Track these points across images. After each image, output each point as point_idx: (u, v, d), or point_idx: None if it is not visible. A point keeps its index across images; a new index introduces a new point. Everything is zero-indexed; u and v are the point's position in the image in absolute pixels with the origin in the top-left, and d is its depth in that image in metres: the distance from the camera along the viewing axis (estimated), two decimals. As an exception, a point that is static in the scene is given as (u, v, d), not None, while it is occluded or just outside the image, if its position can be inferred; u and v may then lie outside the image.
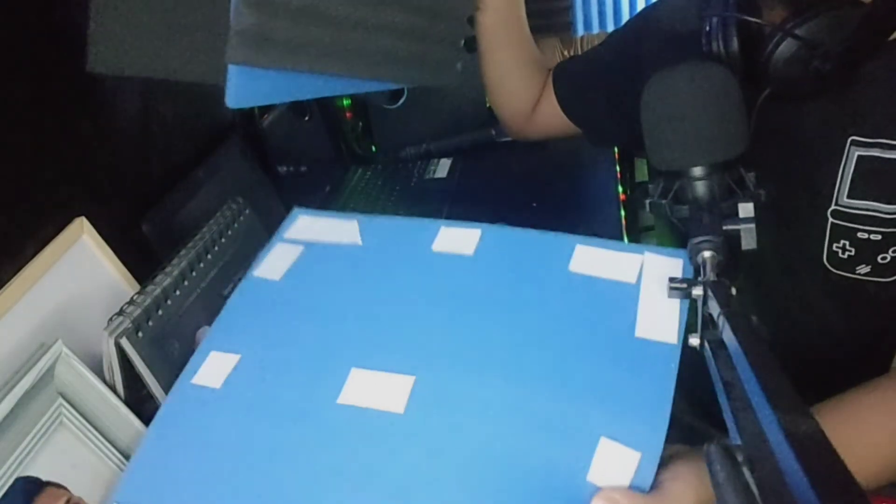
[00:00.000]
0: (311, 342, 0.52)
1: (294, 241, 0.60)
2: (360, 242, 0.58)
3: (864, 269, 0.58)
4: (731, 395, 0.33)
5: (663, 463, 0.41)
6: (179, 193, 0.81)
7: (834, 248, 0.58)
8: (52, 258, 0.61)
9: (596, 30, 1.58)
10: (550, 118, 0.83)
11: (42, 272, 0.60)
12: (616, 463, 0.41)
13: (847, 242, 0.57)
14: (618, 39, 0.79)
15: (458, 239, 0.57)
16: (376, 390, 0.47)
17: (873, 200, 0.55)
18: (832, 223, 0.57)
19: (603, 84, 0.77)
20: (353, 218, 0.60)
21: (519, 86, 0.83)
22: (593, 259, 0.53)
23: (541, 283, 0.52)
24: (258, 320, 0.55)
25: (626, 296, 0.49)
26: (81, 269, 0.65)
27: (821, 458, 0.22)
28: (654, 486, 0.41)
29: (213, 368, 0.51)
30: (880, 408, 0.53)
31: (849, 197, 0.56)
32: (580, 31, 1.65)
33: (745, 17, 0.54)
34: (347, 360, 0.49)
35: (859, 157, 0.54)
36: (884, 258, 0.56)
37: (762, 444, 0.27)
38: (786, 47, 0.51)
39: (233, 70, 0.49)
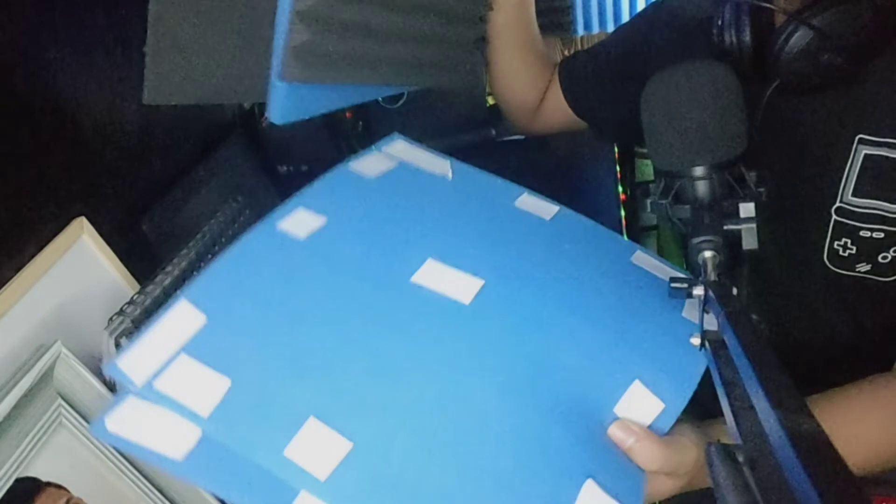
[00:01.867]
0: (393, 228, 0.54)
1: (389, 156, 0.61)
2: (450, 176, 0.61)
3: (864, 267, 0.58)
4: (732, 395, 0.33)
5: (677, 423, 0.46)
6: (179, 193, 0.81)
7: (835, 246, 0.58)
8: (52, 258, 0.61)
9: (596, 30, 1.58)
10: (556, 112, 0.83)
11: (42, 272, 0.60)
12: (642, 405, 0.46)
13: (849, 241, 0.57)
14: (626, 32, 0.79)
15: (537, 206, 0.60)
16: (447, 280, 0.49)
17: (878, 199, 0.55)
18: (835, 220, 0.57)
19: (610, 78, 0.76)
20: (446, 157, 0.63)
21: (526, 82, 0.83)
22: (650, 263, 0.58)
23: (605, 262, 0.56)
24: (347, 197, 0.56)
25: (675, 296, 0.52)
26: (81, 269, 0.65)
27: (822, 458, 0.22)
28: (668, 433, 0.45)
29: (299, 222, 0.52)
30: (869, 396, 0.53)
31: (853, 195, 0.55)
32: (580, 31, 1.65)
33: (760, 3, 0.53)
34: (425, 251, 0.51)
35: (866, 155, 0.54)
36: (884, 257, 0.56)
37: (763, 444, 0.27)
38: (799, 37, 0.51)
39: (281, 87, 0.51)
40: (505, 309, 0.49)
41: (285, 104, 0.53)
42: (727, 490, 0.29)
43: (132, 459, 0.58)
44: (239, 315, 0.45)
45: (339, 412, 0.41)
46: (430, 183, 0.60)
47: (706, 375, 0.41)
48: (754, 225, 0.47)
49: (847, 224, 0.56)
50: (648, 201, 0.53)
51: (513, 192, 0.61)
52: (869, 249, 0.56)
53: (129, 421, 0.40)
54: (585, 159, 1.23)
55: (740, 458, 0.29)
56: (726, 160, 0.49)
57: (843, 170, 0.55)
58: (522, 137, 1.57)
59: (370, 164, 0.60)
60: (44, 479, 0.52)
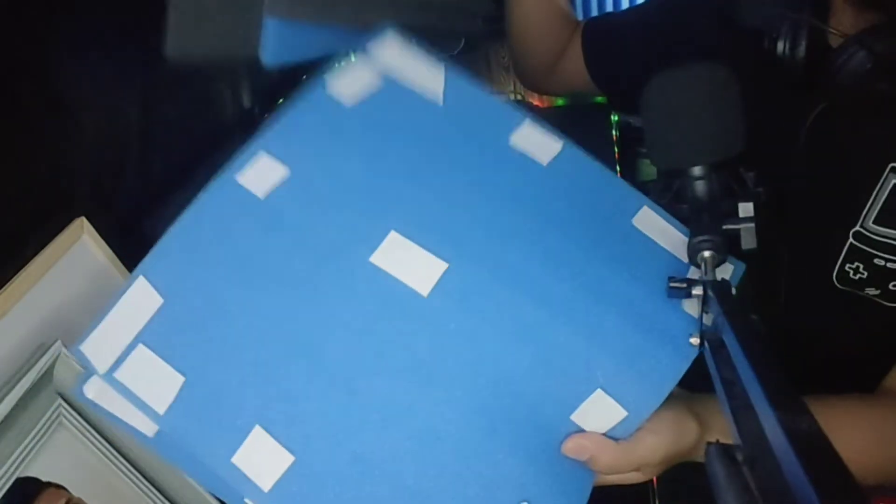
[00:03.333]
0: (361, 186, 0.50)
1: (375, 67, 0.55)
2: (440, 102, 0.54)
3: (872, 291, 0.57)
4: (731, 395, 0.33)
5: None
6: (179, 193, 0.81)
7: (847, 268, 0.58)
8: (52, 258, 0.61)
9: (596, 29, 1.58)
10: (573, 75, 0.80)
11: (42, 272, 0.60)
12: (602, 412, 0.44)
13: (861, 265, 0.56)
14: (664, 7, 0.74)
15: (537, 142, 0.54)
16: (408, 263, 0.46)
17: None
18: (851, 244, 0.56)
19: (639, 48, 0.73)
20: (440, 68, 0.56)
21: (544, 36, 0.79)
22: (655, 224, 0.52)
23: (599, 224, 0.51)
24: (316, 141, 0.51)
25: (675, 271, 0.49)
26: (81, 269, 0.65)
27: (821, 458, 0.22)
28: (628, 436, 0.44)
29: (259, 172, 0.49)
30: (855, 413, 0.53)
31: (875, 222, 0.55)
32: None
33: (820, 25, 0.52)
34: (390, 219, 0.48)
35: (895, 185, 0.53)
36: (895, 286, 0.55)
37: (762, 444, 0.27)
38: (858, 61, 0.49)
39: (270, 25, 0.49)
40: (465, 303, 0.46)
41: (275, 43, 0.50)
42: (727, 490, 0.29)
43: (132, 459, 0.58)
44: (193, 299, 0.46)
45: (283, 421, 0.42)
46: (414, 113, 0.54)
47: (706, 375, 0.41)
48: (753, 225, 0.47)
49: (862, 249, 0.56)
50: (648, 201, 0.53)
51: (510, 123, 0.54)
52: (880, 277, 0.56)
53: (102, 394, 0.43)
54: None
55: (740, 458, 0.29)
56: (725, 160, 0.49)
57: (870, 196, 0.55)
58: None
59: (352, 81, 0.54)
60: (44, 479, 0.52)
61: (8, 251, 0.59)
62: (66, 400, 0.56)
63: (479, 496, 0.41)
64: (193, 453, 0.42)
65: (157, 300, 0.45)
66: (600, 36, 0.79)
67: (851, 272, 0.57)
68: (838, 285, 0.59)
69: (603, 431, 0.44)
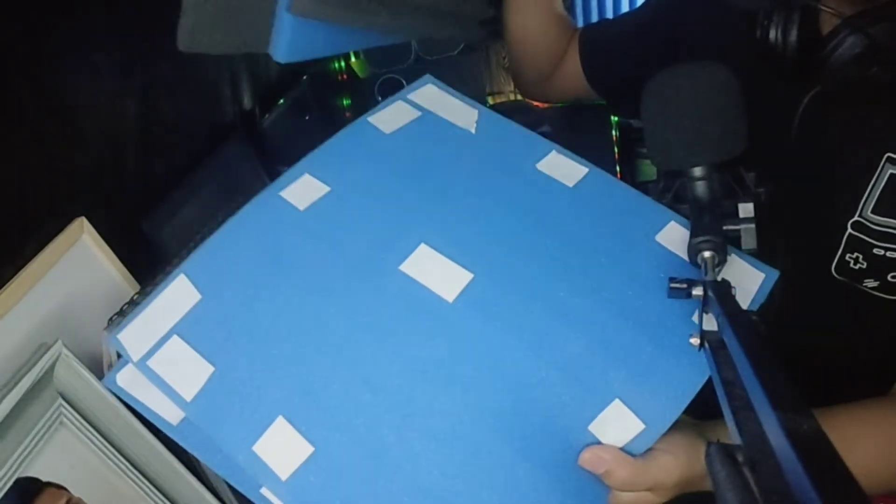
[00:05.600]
0: (395, 201, 0.53)
1: (414, 105, 0.61)
2: (473, 131, 0.59)
3: (871, 283, 0.57)
4: (732, 395, 0.33)
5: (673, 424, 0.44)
6: (179, 193, 0.81)
7: (846, 258, 0.57)
8: (52, 258, 0.61)
9: (596, 29, 1.58)
10: (571, 81, 0.80)
11: (42, 272, 0.60)
12: (619, 424, 0.43)
13: (860, 255, 0.56)
14: (657, 7, 0.74)
15: (564, 167, 0.57)
16: (435, 272, 0.49)
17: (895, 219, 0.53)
18: (850, 234, 0.56)
19: (635, 50, 0.73)
20: (476, 106, 0.61)
21: (542, 44, 0.80)
22: (682, 239, 0.52)
23: (622, 241, 0.52)
24: (356, 163, 0.56)
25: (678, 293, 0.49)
26: (81, 269, 0.65)
27: (822, 458, 0.22)
28: (645, 452, 0.43)
29: (302, 189, 0.53)
30: (861, 420, 0.53)
31: (873, 212, 0.54)
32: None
33: (815, 3, 0.50)
34: (421, 232, 0.51)
35: (892, 175, 0.53)
36: (894, 276, 0.55)
37: (763, 444, 0.27)
38: (850, 45, 0.48)
39: (288, 22, 0.50)
40: (488, 311, 0.48)
41: (291, 40, 0.52)
42: (727, 490, 0.29)
43: (132, 459, 0.58)
44: (230, 296, 0.48)
45: (305, 414, 0.43)
46: (449, 139, 0.58)
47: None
48: (753, 225, 0.47)
49: (861, 239, 0.55)
50: (648, 201, 0.53)
51: (538, 151, 0.58)
52: (879, 267, 0.55)
53: (133, 382, 0.46)
54: (585, 158, 1.24)
55: (740, 458, 0.29)
56: (725, 160, 0.49)
57: (867, 186, 0.54)
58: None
59: (392, 115, 0.60)
60: (44, 479, 0.52)
61: (8, 251, 0.59)
62: (66, 400, 0.56)
63: (493, 500, 0.41)
64: (216, 441, 0.43)
65: (195, 296, 0.48)
66: (596, 40, 0.79)
67: (851, 262, 0.57)
68: (837, 276, 0.58)
69: (620, 445, 0.43)
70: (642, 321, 0.47)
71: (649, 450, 0.43)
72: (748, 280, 0.50)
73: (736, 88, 0.48)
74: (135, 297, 0.62)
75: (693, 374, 0.45)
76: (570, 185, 0.55)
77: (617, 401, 0.44)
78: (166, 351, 0.46)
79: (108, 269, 0.68)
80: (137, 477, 0.59)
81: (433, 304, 0.48)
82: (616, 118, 1.53)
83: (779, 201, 0.51)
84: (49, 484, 0.52)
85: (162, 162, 0.82)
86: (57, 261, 0.62)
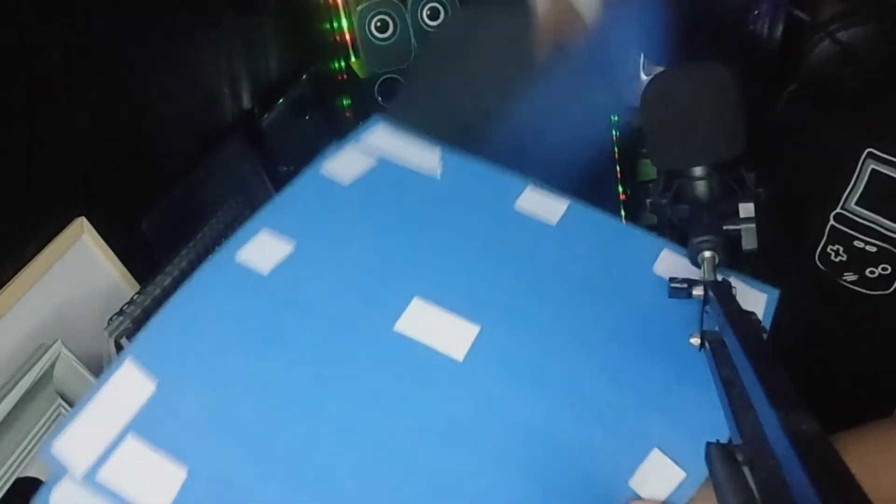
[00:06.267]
0: (371, 257, 0.47)
1: (369, 151, 0.54)
2: (438, 176, 0.53)
3: (850, 276, 0.58)
4: (732, 395, 0.33)
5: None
6: (179, 193, 0.81)
7: (828, 250, 0.58)
8: (52, 258, 0.61)
9: (596, 29, 1.59)
10: None
11: (42, 272, 0.60)
12: (660, 476, 0.40)
13: (841, 248, 0.57)
14: None
15: (543, 204, 0.52)
16: (437, 329, 0.43)
17: (879, 214, 0.54)
18: (832, 226, 0.57)
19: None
20: (434, 147, 0.55)
21: None
22: (678, 266, 0.49)
23: (621, 278, 0.49)
24: (318, 215, 0.49)
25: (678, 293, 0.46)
26: (81, 269, 0.65)
27: (822, 458, 0.22)
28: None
29: (262, 249, 0.46)
30: (864, 443, 0.52)
31: (857, 204, 0.55)
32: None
33: (794, 11, 0.52)
34: (410, 286, 0.45)
35: (873, 170, 0.54)
36: (872, 272, 0.56)
37: (762, 444, 0.27)
38: (824, 48, 0.49)
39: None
40: (504, 365, 0.43)
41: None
42: (727, 490, 0.29)
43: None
44: (192, 382, 0.40)
45: None
46: (414, 187, 0.52)
47: None
48: (753, 225, 0.47)
49: (843, 231, 0.56)
50: (648, 201, 0.53)
51: (512, 190, 0.53)
52: (859, 261, 0.56)
53: (76, 499, 0.35)
54: (585, 159, 1.24)
55: (740, 458, 0.29)
56: (726, 160, 0.49)
57: (850, 179, 0.55)
58: (522, 137, 1.58)
59: (346, 163, 0.53)
60: (44, 479, 0.52)
61: (8, 251, 0.59)
62: (65, 400, 0.56)
63: None
64: None
65: (148, 385, 0.39)
66: None
67: (833, 254, 0.57)
68: (819, 264, 0.59)
69: (663, 498, 0.40)
70: (664, 360, 0.44)
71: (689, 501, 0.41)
72: (752, 303, 0.49)
73: (736, 88, 0.49)
74: (135, 297, 0.63)
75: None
76: (554, 222, 0.52)
77: (656, 450, 0.41)
78: (121, 456, 0.36)
79: (108, 269, 0.68)
80: (137, 477, 0.59)
81: (442, 366, 0.42)
82: (616, 118, 1.53)
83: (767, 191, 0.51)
84: (49, 484, 0.52)
85: (162, 162, 0.82)
86: (57, 261, 0.62)
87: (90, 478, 0.35)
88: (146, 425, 0.37)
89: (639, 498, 0.40)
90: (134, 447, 0.36)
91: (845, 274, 0.58)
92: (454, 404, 0.41)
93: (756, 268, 0.67)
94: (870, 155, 0.53)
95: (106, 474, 0.35)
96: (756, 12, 0.54)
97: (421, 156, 0.54)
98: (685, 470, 0.40)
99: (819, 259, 0.59)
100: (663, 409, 0.42)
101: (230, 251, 0.47)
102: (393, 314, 0.43)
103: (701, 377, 0.40)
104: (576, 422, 0.41)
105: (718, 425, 0.39)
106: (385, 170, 0.53)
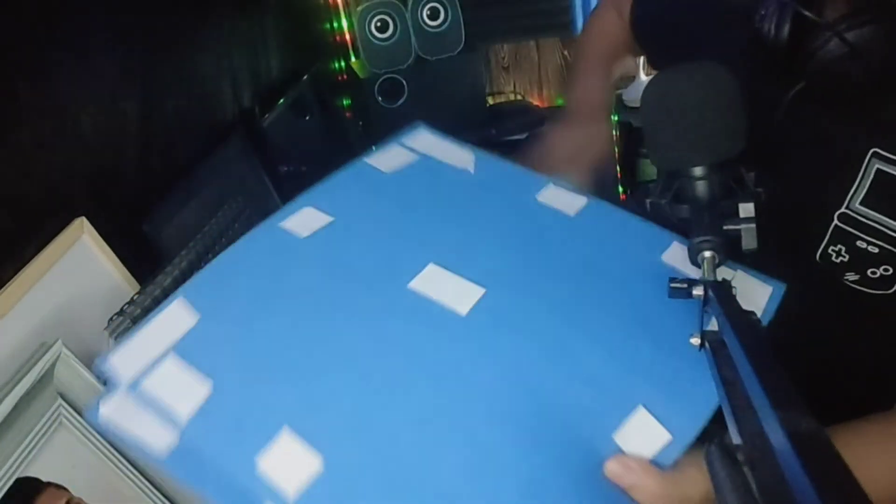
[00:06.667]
0: (400, 230, 0.53)
1: (411, 149, 0.60)
2: (472, 170, 0.59)
3: (852, 276, 0.57)
4: (732, 395, 0.33)
5: (693, 449, 0.42)
6: (179, 193, 0.81)
7: (829, 251, 0.58)
8: (52, 258, 0.61)
9: (596, 29, 1.59)
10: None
11: (42, 272, 0.60)
12: (645, 434, 0.42)
13: (843, 248, 0.57)
14: None
15: (563, 198, 0.57)
16: (446, 289, 0.47)
17: (883, 214, 0.54)
18: (835, 225, 0.57)
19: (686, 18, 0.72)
20: (471, 149, 0.61)
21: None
22: (686, 259, 0.50)
23: (629, 262, 0.52)
24: (358, 196, 0.56)
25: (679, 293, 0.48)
26: (81, 269, 0.65)
27: (822, 458, 0.22)
28: (672, 466, 0.41)
29: (304, 220, 0.52)
30: (868, 437, 0.52)
31: (861, 204, 0.55)
32: (580, 30, 1.65)
33: (801, 10, 0.51)
34: (428, 254, 0.50)
35: (878, 170, 0.54)
36: (873, 272, 0.56)
37: (763, 444, 0.27)
38: (832, 48, 0.49)
39: None
40: (503, 322, 0.46)
41: None
42: (727, 490, 0.29)
43: (132, 459, 0.58)
44: (230, 316, 0.46)
45: (314, 425, 0.40)
46: (449, 177, 0.58)
47: None
48: (753, 225, 0.46)
49: (846, 231, 0.56)
50: (648, 201, 0.53)
51: (537, 184, 0.57)
52: (861, 261, 0.56)
53: (120, 411, 0.42)
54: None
55: (740, 458, 0.29)
56: (725, 160, 0.49)
57: (855, 179, 0.55)
58: (523, 137, 1.58)
59: (388, 157, 0.59)
60: (44, 479, 0.52)
61: (8, 251, 0.59)
62: (66, 400, 0.56)
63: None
64: (215, 459, 0.40)
65: (193, 317, 0.46)
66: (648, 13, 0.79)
67: (834, 255, 0.57)
68: (821, 263, 0.59)
69: (648, 457, 0.41)
70: (660, 335, 0.47)
71: (675, 464, 0.42)
72: (756, 296, 0.50)
73: (736, 88, 0.49)
74: (135, 297, 0.63)
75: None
76: (572, 213, 0.56)
77: (641, 408, 0.42)
78: (161, 371, 0.43)
79: (108, 269, 0.68)
80: (137, 477, 0.59)
81: (446, 318, 0.46)
82: (616, 118, 1.53)
83: (767, 191, 0.51)
84: (49, 484, 0.53)
85: (162, 162, 0.82)
86: (57, 261, 0.62)
87: (134, 386, 0.42)
88: (186, 348, 0.44)
89: (622, 453, 0.41)
90: (173, 364, 0.43)
91: (847, 274, 0.58)
92: (452, 351, 0.44)
93: (756, 267, 0.68)
94: (875, 154, 0.53)
95: (148, 384, 0.42)
96: (763, 12, 0.54)
97: (457, 154, 0.60)
98: (671, 433, 0.41)
99: (820, 258, 0.59)
100: (652, 377, 0.44)
101: (275, 221, 0.53)
102: (409, 275, 0.48)
103: (693, 354, 0.43)
104: (566, 378, 0.44)
105: (710, 396, 0.41)
106: (423, 163, 0.59)
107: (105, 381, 0.47)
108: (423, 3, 1.47)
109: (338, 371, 0.43)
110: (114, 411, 0.42)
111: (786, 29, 0.53)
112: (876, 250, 0.55)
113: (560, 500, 0.39)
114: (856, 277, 0.57)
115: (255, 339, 0.45)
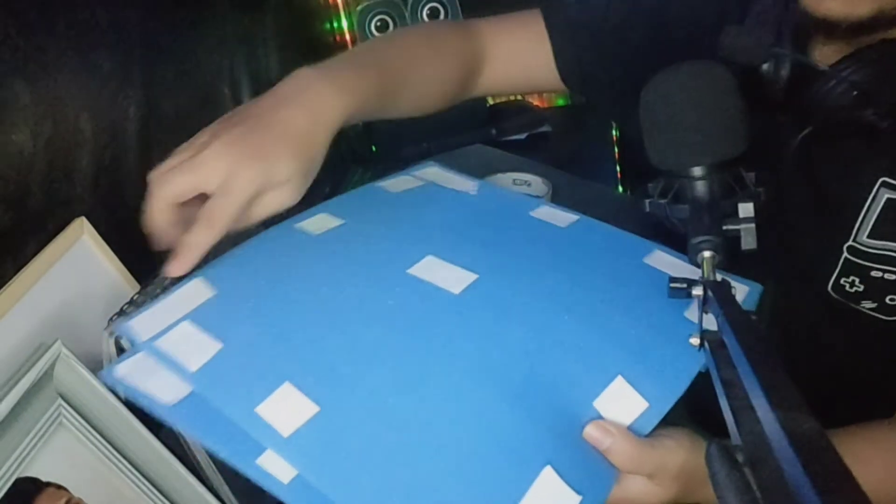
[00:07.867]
0: (403, 233, 0.59)
1: (419, 178, 0.70)
2: (474, 192, 0.67)
3: (868, 304, 0.57)
4: (732, 395, 0.33)
5: (676, 428, 0.45)
6: (179, 193, 0.81)
7: (842, 282, 0.57)
8: (52, 258, 0.61)
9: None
10: (537, 72, 0.74)
11: (42, 272, 0.60)
12: (623, 402, 0.45)
13: (857, 279, 0.56)
14: (636, 19, 0.69)
15: (556, 215, 0.64)
16: (442, 273, 0.53)
17: (894, 241, 0.54)
18: (845, 258, 0.56)
19: (619, 49, 0.69)
20: (475, 180, 0.70)
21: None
22: (667, 262, 0.57)
23: (613, 261, 0.57)
24: (367, 206, 0.64)
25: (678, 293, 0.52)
26: (81, 269, 0.65)
27: (822, 458, 0.22)
28: (649, 436, 0.44)
29: (317, 222, 0.60)
30: (872, 441, 0.53)
31: (869, 236, 0.54)
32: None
33: (798, 56, 0.52)
34: (427, 249, 0.56)
35: (888, 199, 0.53)
36: (892, 299, 0.55)
37: (762, 444, 0.27)
38: (838, 94, 0.49)
39: None
40: (493, 301, 0.51)
41: None
42: (727, 490, 0.29)
43: (132, 459, 0.58)
44: (244, 292, 0.51)
45: (312, 381, 0.44)
46: (451, 197, 0.66)
47: (706, 376, 0.40)
48: (753, 225, 0.47)
49: (857, 263, 0.55)
50: (647, 201, 0.53)
51: (531, 204, 0.65)
52: (877, 289, 0.55)
53: (132, 368, 0.46)
54: (585, 158, 1.24)
55: (740, 458, 0.29)
56: (725, 160, 0.49)
57: (861, 211, 0.54)
58: (523, 137, 1.58)
59: (398, 183, 0.68)
60: (44, 479, 0.52)
61: (8, 251, 0.59)
62: (65, 400, 0.56)
63: (505, 457, 0.41)
64: (218, 406, 0.43)
65: (210, 291, 0.51)
66: (572, 33, 0.72)
67: (847, 286, 0.57)
68: (833, 294, 0.58)
69: (626, 424, 0.44)
70: (639, 314, 0.51)
71: (652, 434, 0.44)
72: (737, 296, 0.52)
73: (735, 88, 0.49)
74: (135, 297, 0.62)
75: (692, 361, 0.47)
76: (563, 226, 0.62)
77: (619, 378, 0.46)
78: (176, 333, 0.47)
79: (108, 269, 0.68)
80: (137, 477, 0.59)
81: (440, 295, 0.51)
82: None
83: (776, 224, 0.51)
84: (49, 484, 0.53)
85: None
86: (57, 261, 0.62)
87: (149, 343, 0.47)
88: (200, 315, 0.49)
89: (602, 419, 0.44)
90: (187, 328, 0.48)
91: (863, 302, 0.57)
92: (443, 322, 0.49)
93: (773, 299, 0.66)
94: (884, 184, 0.53)
95: (162, 343, 0.47)
96: (760, 61, 0.53)
97: (462, 182, 0.69)
98: (648, 401, 0.45)
99: (833, 289, 0.58)
100: (632, 350, 0.48)
101: (290, 223, 0.60)
102: (409, 264, 0.54)
103: (674, 330, 0.49)
104: (550, 347, 0.48)
105: (687, 367, 0.46)
106: (430, 188, 0.68)
107: (105, 384, 0.50)
108: (422, 3, 1.47)
109: (335, 339, 0.48)
110: (127, 368, 0.46)
111: (785, 71, 0.53)
112: (893, 277, 0.55)
113: (542, 457, 0.42)
114: (873, 305, 0.57)
115: (264, 312, 0.49)
